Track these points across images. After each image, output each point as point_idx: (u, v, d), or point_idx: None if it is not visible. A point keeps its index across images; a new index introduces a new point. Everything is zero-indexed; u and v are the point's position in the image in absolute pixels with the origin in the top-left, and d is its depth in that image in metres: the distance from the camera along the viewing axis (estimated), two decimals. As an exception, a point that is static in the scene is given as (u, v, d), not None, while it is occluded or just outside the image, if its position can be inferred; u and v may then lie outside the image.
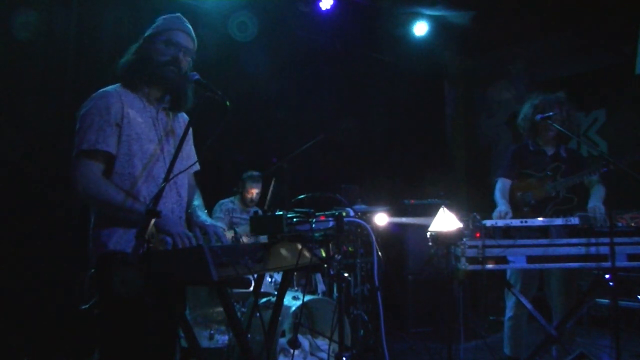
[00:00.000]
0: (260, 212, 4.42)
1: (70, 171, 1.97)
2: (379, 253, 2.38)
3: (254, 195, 4.56)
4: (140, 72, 2.10)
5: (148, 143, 2.07)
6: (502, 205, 3.34)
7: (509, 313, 3.41)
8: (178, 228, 1.98)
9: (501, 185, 3.53)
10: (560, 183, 3.32)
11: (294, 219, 2.05)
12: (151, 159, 2.06)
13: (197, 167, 2.39)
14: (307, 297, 3.69)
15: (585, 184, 3.37)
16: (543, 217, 3.18)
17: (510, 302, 3.41)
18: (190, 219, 2.27)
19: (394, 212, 4.65)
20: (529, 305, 3.01)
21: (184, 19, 2.21)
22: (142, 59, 2.11)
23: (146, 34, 2.16)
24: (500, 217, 3.21)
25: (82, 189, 1.93)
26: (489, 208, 3.45)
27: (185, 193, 2.24)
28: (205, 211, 2.35)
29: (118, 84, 2.12)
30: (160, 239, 1.92)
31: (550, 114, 3.30)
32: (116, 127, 2.01)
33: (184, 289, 2.25)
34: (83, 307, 2.00)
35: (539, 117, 3.33)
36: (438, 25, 6.13)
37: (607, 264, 2.72)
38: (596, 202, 3.16)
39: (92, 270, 2.00)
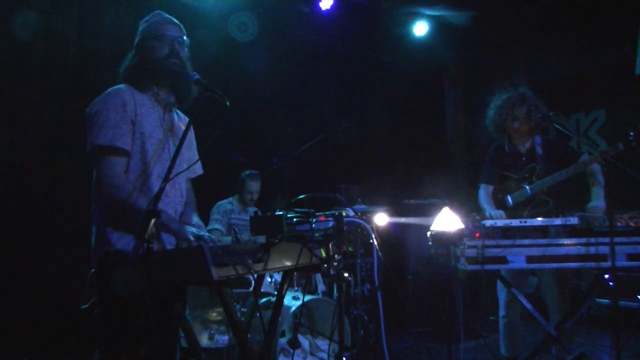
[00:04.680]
0: (259, 212, 4.42)
1: (95, 169, 1.96)
2: (379, 253, 2.38)
3: (254, 194, 4.52)
4: (145, 73, 2.11)
5: (157, 142, 2.08)
6: (491, 210, 3.33)
7: (501, 312, 3.40)
8: (184, 232, 1.98)
9: (484, 193, 3.54)
10: (537, 185, 3.30)
11: (294, 219, 2.05)
12: (156, 158, 2.07)
13: (200, 171, 2.39)
14: (307, 297, 3.69)
15: (585, 173, 3.29)
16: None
17: (501, 299, 3.39)
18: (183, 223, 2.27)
19: (394, 212, 4.64)
20: (528, 306, 3.01)
21: (163, 12, 2.21)
22: (144, 61, 2.11)
23: (136, 42, 2.17)
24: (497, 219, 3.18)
25: (108, 190, 1.92)
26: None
27: (185, 194, 2.25)
28: (197, 213, 2.35)
29: (124, 84, 2.12)
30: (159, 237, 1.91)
31: (551, 114, 3.29)
32: (131, 124, 2.01)
33: (184, 289, 2.25)
34: (83, 307, 2.00)
35: (538, 116, 3.32)
36: (438, 25, 6.13)
37: (607, 264, 2.72)
38: (596, 202, 3.14)
39: (92, 270, 2.00)
